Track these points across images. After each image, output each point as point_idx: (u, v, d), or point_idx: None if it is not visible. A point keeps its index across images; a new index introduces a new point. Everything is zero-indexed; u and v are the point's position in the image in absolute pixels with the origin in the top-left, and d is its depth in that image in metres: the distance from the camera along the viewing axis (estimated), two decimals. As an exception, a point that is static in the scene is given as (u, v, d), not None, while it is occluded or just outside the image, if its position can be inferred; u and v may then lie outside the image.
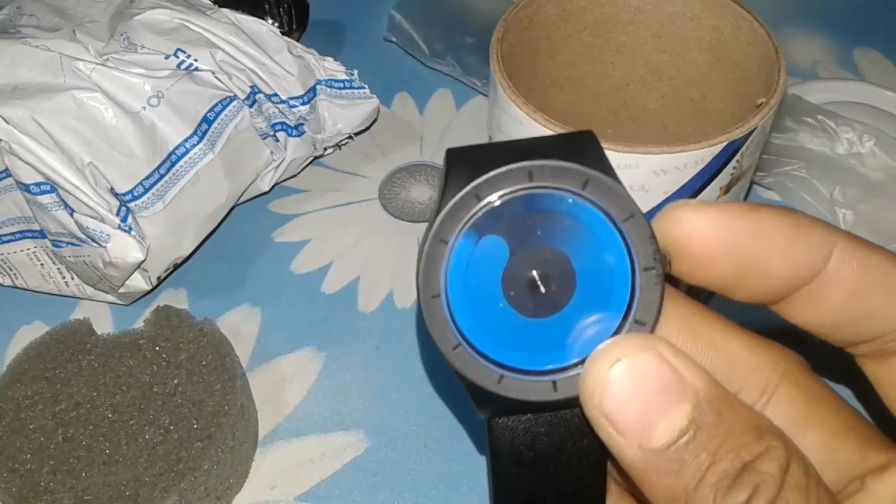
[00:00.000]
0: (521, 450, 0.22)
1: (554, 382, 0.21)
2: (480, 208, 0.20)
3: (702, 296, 0.42)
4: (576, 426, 0.21)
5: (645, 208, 0.35)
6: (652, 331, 0.20)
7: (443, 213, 0.20)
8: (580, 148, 0.21)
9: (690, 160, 0.33)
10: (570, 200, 0.20)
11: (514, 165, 0.20)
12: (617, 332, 0.20)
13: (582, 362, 0.20)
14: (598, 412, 0.19)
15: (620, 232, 0.20)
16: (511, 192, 0.20)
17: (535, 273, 0.20)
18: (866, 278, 0.21)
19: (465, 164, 0.20)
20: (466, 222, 0.20)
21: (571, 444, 0.22)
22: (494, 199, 0.20)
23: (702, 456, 0.18)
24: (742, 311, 0.24)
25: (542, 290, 0.20)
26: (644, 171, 0.33)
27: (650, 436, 0.19)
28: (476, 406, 0.21)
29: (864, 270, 0.21)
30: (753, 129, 0.34)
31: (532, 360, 0.21)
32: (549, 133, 0.35)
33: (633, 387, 0.19)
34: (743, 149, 0.34)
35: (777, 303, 0.22)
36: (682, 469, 0.18)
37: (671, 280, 0.21)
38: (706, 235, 0.21)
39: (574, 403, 0.20)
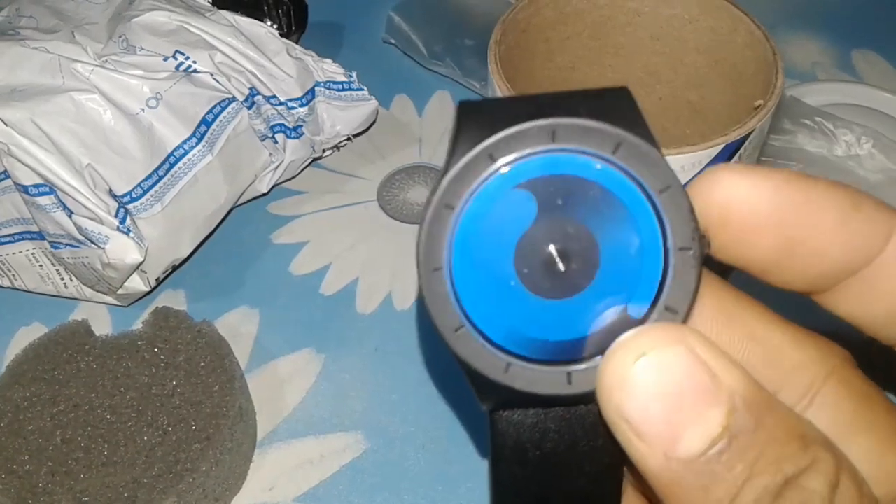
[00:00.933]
0: (528, 447, 0.20)
1: (569, 374, 0.18)
2: (494, 171, 0.18)
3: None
4: (590, 424, 0.19)
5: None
6: (685, 321, 0.18)
7: (450, 174, 0.18)
8: (613, 106, 0.18)
9: (689, 162, 0.33)
10: (599, 166, 0.18)
11: (534, 123, 0.18)
12: (644, 320, 0.18)
13: (602, 353, 0.18)
14: (616, 414, 0.17)
15: (654, 205, 0.18)
16: (530, 154, 0.18)
17: (553, 248, 0.18)
18: None
19: (479, 119, 0.18)
20: (477, 187, 0.18)
21: (585, 444, 0.19)
22: (510, 160, 0.18)
23: (737, 468, 0.16)
24: (777, 301, 0.21)
25: (561, 267, 0.18)
26: (642, 173, 0.33)
27: (677, 444, 0.16)
28: (478, 397, 0.19)
29: None
30: (751, 131, 0.34)
31: (545, 347, 0.18)
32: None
33: (658, 386, 0.16)
34: (741, 150, 0.34)
35: (823, 291, 0.19)
36: (714, 483, 0.16)
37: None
38: (750, 201, 0.18)
39: (590, 399, 0.18)
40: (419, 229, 0.18)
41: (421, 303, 0.18)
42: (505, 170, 0.18)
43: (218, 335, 0.40)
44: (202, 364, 0.39)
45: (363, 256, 0.49)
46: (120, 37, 0.44)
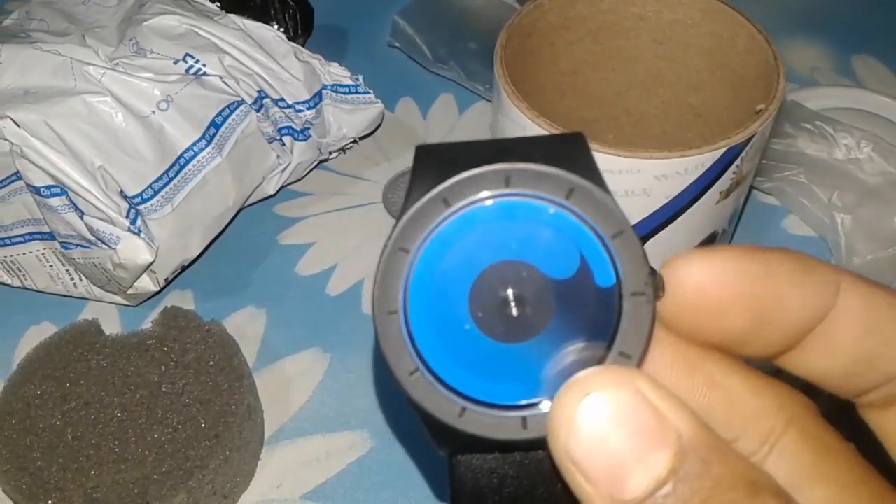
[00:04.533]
0: (486, 493, 0.19)
1: (524, 419, 0.18)
2: (448, 215, 0.18)
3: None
4: (548, 469, 0.18)
5: (647, 212, 0.35)
6: (638, 366, 0.18)
7: (405, 218, 0.18)
8: (567, 152, 0.18)
9: (691, 165, 0.34)
10: (552, 211, 0.18)
11: (488, 168, 0.18)
12: (598, 364, 0.18)
13: None
14: (564, 455, 0.16)
15: (608, 250, 0.18)
16: (484, 199, 0.18)
17: (507, 292, 0.18)
18: (874, 316, 0.19)
19: (435, 163, 0.18)
20: (432, 230, 0.18)
21: (543, 490, 0.19)
22: (464, 205, 0.18)
23: None
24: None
25: (515, 312, 0.18)
26: (646, 176, 0.34)
27: (623, 486, 0.16)
28: (434, 441, 0.19)
29: (872, 307, 0.19)
30: (753, 135, 0.35)
31: (500, 391, 0.18)
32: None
33: (604, 427, 0.16)
34: (743, 154, 0.35)
35: (787, 352, 0.20)
36: None
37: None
38: (721, 282, 0.19)
39: (546, 444, 0.17)
40: (375, 273, 0.18)
41: (376, 346, 0.18)
42: (459, 214, 0.18)
43: (226, 334, 0.41)
44: (211, 363, 0.39)
45: (368, 257, 0.49)
46: (130, 40, 0.45)
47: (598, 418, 0.16)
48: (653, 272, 0.18)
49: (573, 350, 0.18)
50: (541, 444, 0.18)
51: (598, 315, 0.18)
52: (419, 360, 0.18)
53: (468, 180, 0.18)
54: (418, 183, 0.18)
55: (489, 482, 0.19)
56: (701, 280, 0.19)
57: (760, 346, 0.20)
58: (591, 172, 0.18)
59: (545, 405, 0.18)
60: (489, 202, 0.18)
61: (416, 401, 0.18)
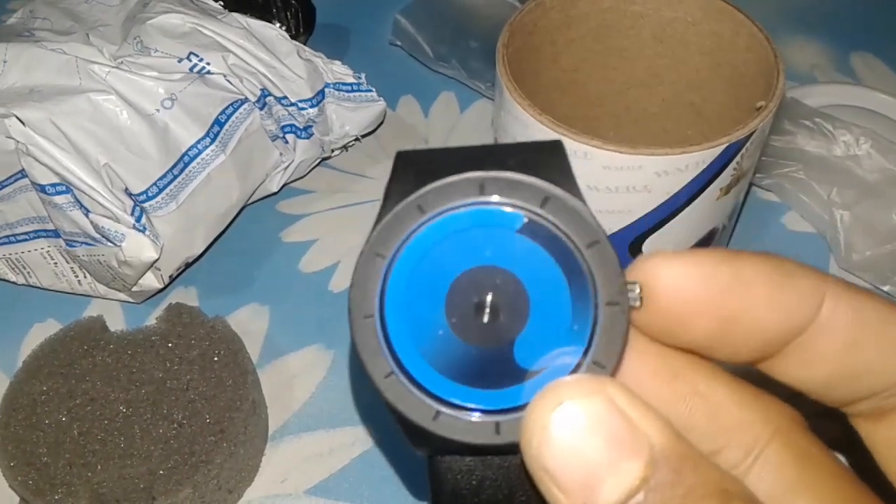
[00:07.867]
0: (465, 495, 0.19)
1: (497, 424, 0.18)
2: (423, 222, 0.18)
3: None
4: (526, 474, 0.18)
5: (648, 209, 0.36)
6: (613, 375, 0.18)
7: (381, 224, 0.18)
8: (543, 160, 0.19)
9: (692, 161, 0.34)
10: (526, 220, 0.18)
11: (463, 176, 0.18)
12: (573, 373, 0.18)
13: None
14: (536, 464, 0.17)
15: (583, 259, 0.18)
16: (459, 206, 0.18)
17: (481, 298, 0.18)
18: (862, 328, 0.19)
19: (412, 170, 0.19)
20: (407, 237, 0.18)
21: (521, 494, 0.19)
22: (439, 212, 0.18)
23: None
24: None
25: (489, 318, 0.18)
26: (647, 173, 0.34)
27: (595, 495, 0.16)
28: (410, 443, 0.19)
29: (860, 319, 0.19)
30: (753, 132, 0.35)
31: (474, 396, 0.18)
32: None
33: (576, 436, 0.16)
34: (743, 150, 0.35)
35: (765, 360, 0.20)
36: None
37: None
38: (684, 287, 0.18)
39: (520, 449, 0.18)
40: (352, 277, 0.19)
41: (352, 347, 0.18)
42: (434, 221, 0.18)
43: (231, 331, 0.41)
44: (216, 359, 0.40)
45: (371, 254, 0.49)
46: (134, 38, 0.45)
47: (571, 428, 0.16)
48: (629, 282, 0.18)
49: (547, 357, 0.18)
50: (515, 449, 0.18)
51: (574, 324, 0.18)
52: (395, 363, 0.18)
53: (443, 188, 0.18)
54: (395, 189, 0.19)
55: (468, 484, 0.19)
56: (663, 283, 0.18)
57: (729, 353, 0.19)
58: (567, 181, 0.18)
59: (519, 412, 0.18)
60: (463, 210, 0.18)
61: (390, 403, 0.18)
